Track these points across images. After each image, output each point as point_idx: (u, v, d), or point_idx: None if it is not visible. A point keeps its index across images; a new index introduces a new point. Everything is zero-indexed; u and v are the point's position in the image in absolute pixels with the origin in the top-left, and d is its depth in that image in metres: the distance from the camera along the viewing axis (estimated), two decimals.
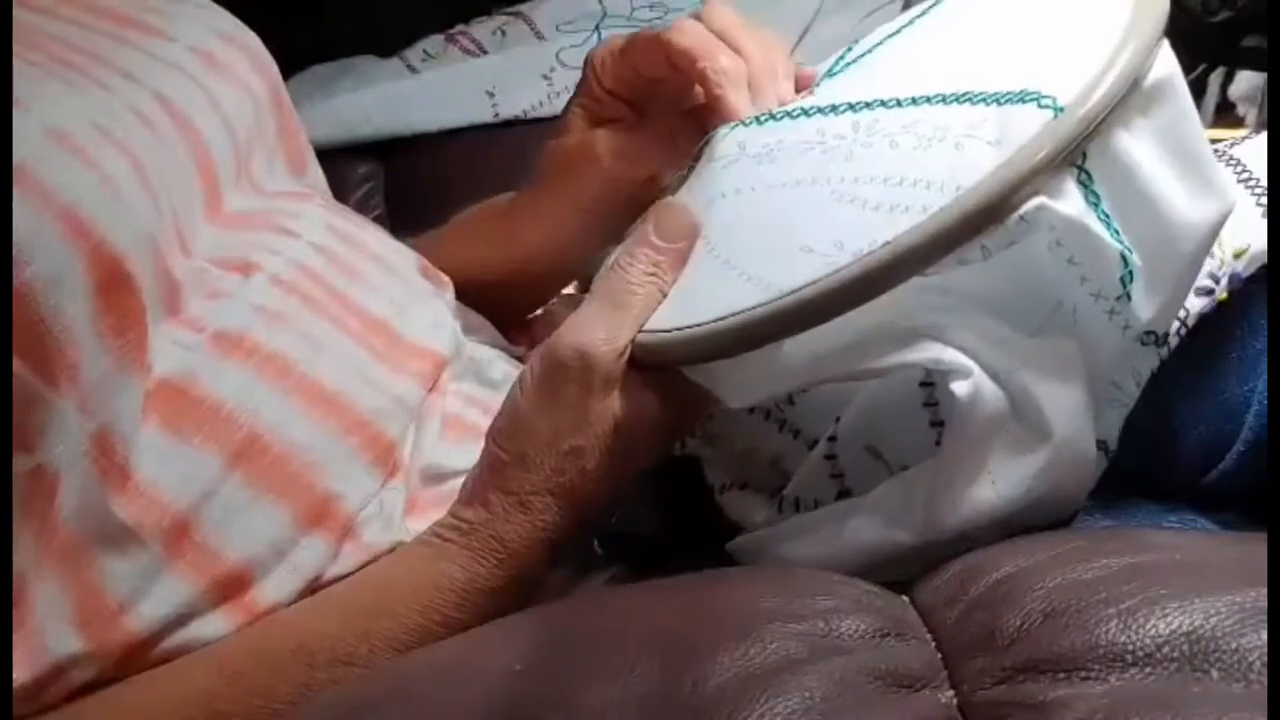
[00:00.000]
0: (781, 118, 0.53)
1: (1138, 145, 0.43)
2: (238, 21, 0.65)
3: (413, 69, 1.22)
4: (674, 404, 0.50)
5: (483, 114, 1.14)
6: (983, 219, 0.41)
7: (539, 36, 1.24)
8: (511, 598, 0.50)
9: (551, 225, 0.66)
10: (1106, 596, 0.34)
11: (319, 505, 0.51)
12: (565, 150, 0.64)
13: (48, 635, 0.45)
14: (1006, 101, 0.43)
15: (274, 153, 0.65)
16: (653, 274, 0.50)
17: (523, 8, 1.29)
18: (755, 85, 0.56)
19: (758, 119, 0.54)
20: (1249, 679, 0.30)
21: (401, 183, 1.15)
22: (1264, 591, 0.32)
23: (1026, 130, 0.42)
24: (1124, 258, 0.43)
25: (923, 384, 0.48)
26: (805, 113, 0.52)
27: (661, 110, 0.62)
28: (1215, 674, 0.30)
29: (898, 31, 0.56)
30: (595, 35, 1.20)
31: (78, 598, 0.46)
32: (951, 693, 0.34)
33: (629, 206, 0.59)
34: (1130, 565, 0.36)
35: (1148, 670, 0.31)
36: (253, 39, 0.65)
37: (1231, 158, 0.55)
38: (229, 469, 0.49)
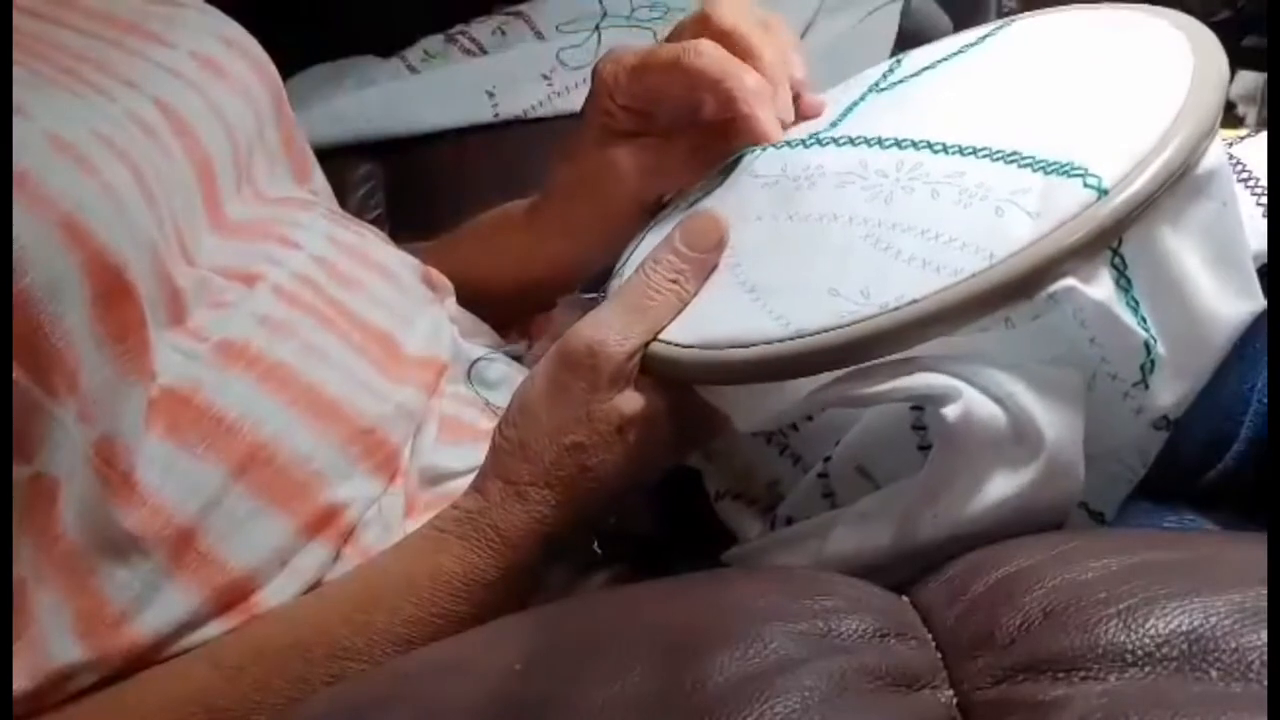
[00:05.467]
0: (827, 143, 0.53)
1: (1177, 237, 0.43)
2: (239, 26, 0.64)
3: (413, 69, 1.22)
4: (684, 417, 0.50)
5: (483, 114, 1.14)
6: (1012, 293, 0.41)
7: (539, 36, 1.24)
8: (507, 590, 0.50)
9: (577, 240, 0.66)
10: (1106, 596, 0.34)
11: (322, 514, 0.52)
12: (586, 166, 0.63)
13: (48, 643, 0.45)
14: (1053, 171, 0.43)
15: (276, 159, 0.65)
16: (674, 281, 0.50)
17: (523, 8, 1.28)
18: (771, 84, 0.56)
19: (803, 141, 0.54)
20: (1248, 679, 0.30)
21: (401, 183, 1.15)
22: (1263, 591, 0.32)
23: (1067, 208, 0.42)
24: (1147, 346, 0.43)
25: (912, 407, 0.48)
26: (851, 141, 0.52)
27: (679, 123, 0.61)
28: (1214, 674, 0.30)
29: (950, 56, 0.55)
30: (595, 35, 1.20)
31: (79, 606, 0.46)
32: (951, 692, 0.34)
33: (650, 219, 0.59)
34: (1130, 565, 0.36)
35: (1147, 670, 0.31)
36: (254, 44, 0.65)
37: (1232, 157, 0.55)
38: (233, 479, 0.49)
